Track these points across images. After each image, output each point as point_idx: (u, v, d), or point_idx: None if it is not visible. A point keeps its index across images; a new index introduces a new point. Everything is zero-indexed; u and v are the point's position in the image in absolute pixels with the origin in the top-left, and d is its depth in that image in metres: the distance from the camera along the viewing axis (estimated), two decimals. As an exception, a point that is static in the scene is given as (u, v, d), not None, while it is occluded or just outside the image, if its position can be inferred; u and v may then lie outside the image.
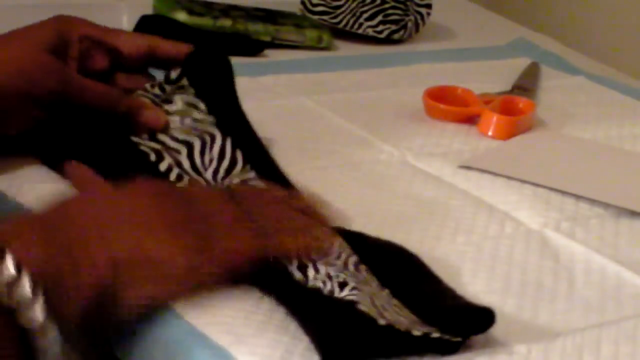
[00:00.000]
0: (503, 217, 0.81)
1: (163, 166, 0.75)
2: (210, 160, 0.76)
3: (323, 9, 1.22)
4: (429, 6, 1.25)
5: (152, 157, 0.76)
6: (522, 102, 1.02)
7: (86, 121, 0.78)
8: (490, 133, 0.96)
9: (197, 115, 0.79)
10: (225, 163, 0.76)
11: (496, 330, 0.64)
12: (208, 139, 0.77)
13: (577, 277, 0.73)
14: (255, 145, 0.79)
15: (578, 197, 0.84)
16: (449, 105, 1.00)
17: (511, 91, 1.07)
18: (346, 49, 1.21)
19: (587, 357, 0.63)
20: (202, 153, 0.76)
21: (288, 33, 1.17)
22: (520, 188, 0.86)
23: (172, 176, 0.75)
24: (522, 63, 1.17)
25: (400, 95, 1.05)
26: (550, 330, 0.65)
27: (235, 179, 0.75)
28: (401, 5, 1.23)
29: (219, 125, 0.78)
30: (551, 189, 0.85)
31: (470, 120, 0.99)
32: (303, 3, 1.24)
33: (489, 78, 1.12)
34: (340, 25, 1.22)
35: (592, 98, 1.11)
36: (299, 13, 1.24)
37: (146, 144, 0.77)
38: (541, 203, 0.83)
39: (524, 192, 0.85)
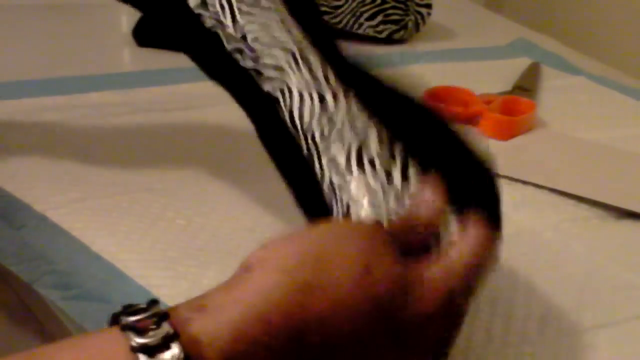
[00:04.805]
0: (503, 217, 0.80)
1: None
2: None
3: (323, 9, 1.22)
4: (429, 6, 1.25)
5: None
6: (522, 102, 1.02)
7: None
8: (490, 133, 0.96)
9: None
10: None
11: (497, 330, 0.64)
12: None
13: (577, 278, 0.73)
14: None
15: (578, 197, 0.84)
16: (449, 105, 1.00)
17: (512, 91, 1.07)
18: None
19: (587, 357, 0.63)
20: None
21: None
22: (521, 188, 0.86)
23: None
24: (522, 63, 1.17)
25: (400, 95, 1.05)
26: (551, 331, 0.65)
27: None
28: (401, 5, 1.23)
29: None
30: (551, 189, 0.85)
31: (471, 120, 0.99)
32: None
33: (490, 78, 1.12)
34: (340, 25, 1.22)
35: (592, 98, 1.11)
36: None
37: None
38: (542, 204, 0.83)
39: (524, 193, 0.85)
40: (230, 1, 0.66)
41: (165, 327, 0.43)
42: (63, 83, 1.02)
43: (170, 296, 0.65)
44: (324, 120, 0.62)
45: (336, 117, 0.62)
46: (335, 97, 0.62)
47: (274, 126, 0.64)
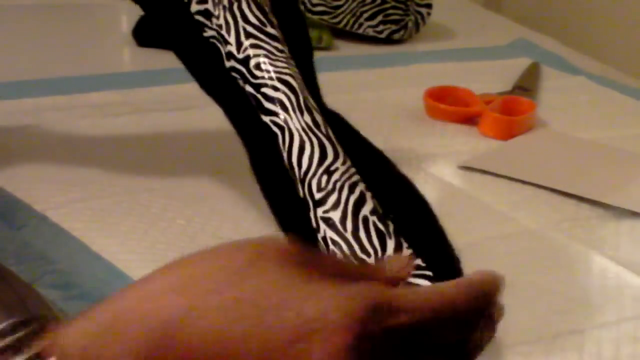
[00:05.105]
0: (503, 217, 0.80)
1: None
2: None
3: (323, 9, 1.22)
4: (429, 6, 1.25)
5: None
6: (522, 102, 1.02)
7: None
8: (490, 133, 0.96)
9: None
10: None
11: (497, 330, 0.64)
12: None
13: (577, 277, 0.73)
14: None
15: (578, 197, 0.84)
16: (449, 105, 1.00)
17: (512, 91, 1.07)
18: (346, 49, 1.21)
19: (588, 357, 0.63)
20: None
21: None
22: (521, 188, 0.86)
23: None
24: (522, 63, 1.17)
25: (400, 95, 1.05)
26: (551, 331, 0.65)
27: None
28: (401, 5, 1.23)
29: None
30: (552, 189, 0.85)
31: (471, 120, 0.99)
32: (303, 3, 1.23)
33: (489, 78, 1.12)
34: (340, 25, 1.22)
35: (592, 98, 1.11)
36: (299, 13, 1.24)
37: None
38: (542, 203, 0.83)
39: (525, 193, 0.85)
40: (236, 18, 0.63)
41: (30, 328, 0.45)
42: (63, 83, 1.02)
43: (170, 296, 0.65)
44: (322, 170, 0.60)
45: (334, 170, 0.60)
46: (334, 148, 0.61)
47: (269, 160, 0.61)
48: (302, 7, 1.23)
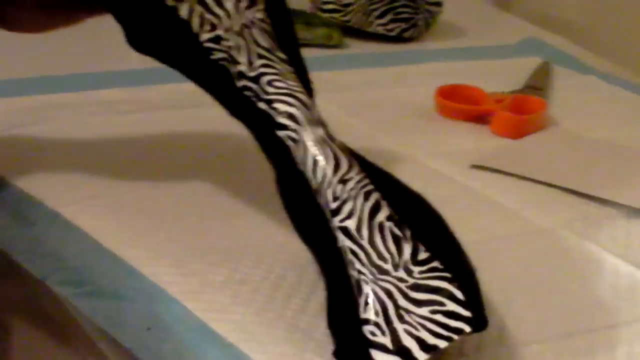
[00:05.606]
0: (514, 216, 0.80)
1: (183, 11, 0.66)
2: None
3: (333, 7, 1.22)
4: (439, 4, 1.25)
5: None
6: (533, 100, 1.02)
7: None
8: (501, 132, 0.96)
9: None
10: None
11: (509, 329, 0.64)
12: None
13: (589, 277, 0.72)
14: None
15: (590, 196, 0.84)
16: (460, 103, 1.00)
17: (522, 90, 1.07)
18: (356, 47, 1.21)
19: (601, 357, 0.63)
20: None
21: (298, 31, 1.16)
22: (532, 187, 0.85)
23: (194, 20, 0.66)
24: (532, 62, 1.17)
25: (410, 93, 1.05)
26: (563, 330, 0.65)
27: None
28: (412, 4, 1.22)
29: None
30: (563, 188, 0.85)
31: (482, 119, 0.99)
32: (313, 1, 1.24)
33: (500, 77, 1.11)
34: (351, 23, 1.22)
35: (603, 97, 1.11)
36: (309, 11, 1.24)
37: None
38: (553, 202, 0.83)
39: (536, 192, 0.85)
40: (247, 42, 0.65)
41: None
42: (72, 80, 1.02)
43: (181, 293, 0.65)
44: (337, 180, 0.61)
45: (348, 179, 0.61)
46: (348, 159, 0.62)
47: (292, 174, 0.62)
48: (312, 5, 1.23)
